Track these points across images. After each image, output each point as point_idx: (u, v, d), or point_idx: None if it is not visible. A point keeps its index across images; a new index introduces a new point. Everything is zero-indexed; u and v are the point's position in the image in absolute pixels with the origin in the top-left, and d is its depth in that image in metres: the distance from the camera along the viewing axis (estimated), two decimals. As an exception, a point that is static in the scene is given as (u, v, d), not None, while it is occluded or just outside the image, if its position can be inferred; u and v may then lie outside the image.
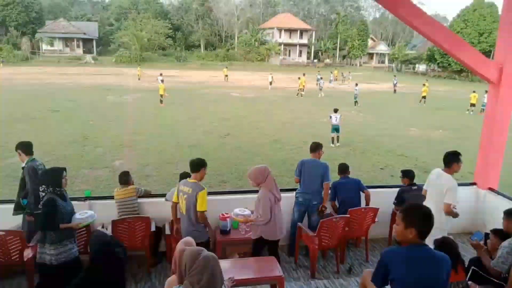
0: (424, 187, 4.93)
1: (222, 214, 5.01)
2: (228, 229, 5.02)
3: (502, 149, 6.04)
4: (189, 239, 3.09)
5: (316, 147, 5.56)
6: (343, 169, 5.89)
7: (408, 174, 5.83)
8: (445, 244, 3.33)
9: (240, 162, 11.25)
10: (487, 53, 40.11)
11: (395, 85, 32.61)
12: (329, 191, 5.54)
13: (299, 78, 28.02)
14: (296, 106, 23.15)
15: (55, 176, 3.97)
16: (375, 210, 5.53)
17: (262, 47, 63.11)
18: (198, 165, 4.34)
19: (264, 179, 4.34)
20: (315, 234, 5.09)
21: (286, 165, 10.75)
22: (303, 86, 28.06)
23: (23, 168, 4.74)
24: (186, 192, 4.25)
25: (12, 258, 4.43)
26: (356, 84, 25.05)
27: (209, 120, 17.55)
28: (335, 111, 13.93)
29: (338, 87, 34.52)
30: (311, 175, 5.40)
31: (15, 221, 4.90)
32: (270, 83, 31.93)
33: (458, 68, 49.50)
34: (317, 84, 31.68)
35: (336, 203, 5.77)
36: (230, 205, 5.05)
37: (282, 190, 6.01)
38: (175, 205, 4.45)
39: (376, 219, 5.59)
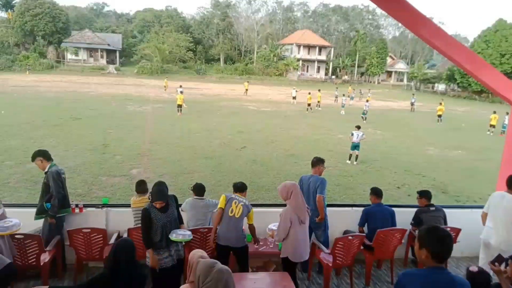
0: (484, 210, 4.84)
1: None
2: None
3: (524, 171, 5.89)
4: (202, 252, 3.08)
5: (316, 162, 5.48)
6: (377, 193, 5.55)
7: (425, 195, 5.73)
8: (478, 277, 3.20)
9: (256, 175, 11.26)
10: (509, 75, 39.55)
11: (412, 103, 32.25)
12: (360, 218, 5.47)
13: (309, 93, 27.94)
14: (313, 121, 23.12)
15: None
16: (403, 232, 5.40)
17: (280, 63, 63.58)
18: (244, 187, 5.03)
19: (288, 196, 4.31)
20: (329, 252, 5.04)
21: (301, 180, 10.69)
22: (317, 101, 29.07)
23: (46, 173, 4.86)
24: (243, 201, 4.60)
25: (29, 261, 4.51)
26: (367, 101, 24.90)
27: (225, 133, 17.67)
28: (358, 128, 13.82)
29: (355, 104, 34.31)
30: (308, 191, 5.33)
31: (34, 225, 5.01)
32: (294, 97, 32.09)
33: (478, 89, 48.78)
34: (335, 100, 31.73)
35: (365, 229, 5.53)
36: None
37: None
38: (221, 211, 4.58)
39: (402, 241, 5.48)
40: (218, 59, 69.41)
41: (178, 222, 4.37)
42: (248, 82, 41.07)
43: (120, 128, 17.22)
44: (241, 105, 29.35)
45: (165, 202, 4.12)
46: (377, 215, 5.40)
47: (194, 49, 64.79)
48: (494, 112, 22.88)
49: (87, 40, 59.48)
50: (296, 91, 32.63)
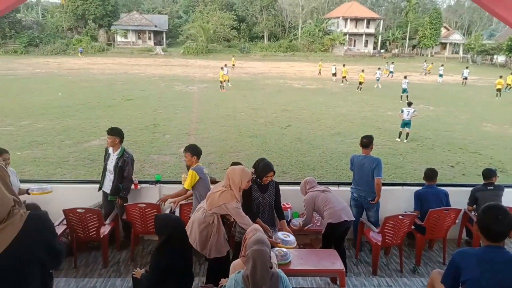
0: None
1: (283, 205, 5.06)
2: (288, 219, 5.07)
3: None
4: (258, 227, 3.18)
5: (368, 143, 5.31)
6: (427, 175, 5.37)
7: (484, 173, 5.46)
8: None
9: (300, 154, 11.21)
10: None
11: (465, 78, 30.22)
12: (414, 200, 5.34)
13: (362, 70, 26.80)
14: (360, 98, 22.44)
15: None
16: (458, 211, 5.22)
17: (326, 38, 61.73)
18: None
19: (305, 192, 4.75)
20: (378, 231, 4.96)
21: (347, 158, 10.47)
22: (359, 81, 27.48)
23: (121, 157, 5.11)
24: None
25: (90, 234, 4.86)
26: (405, 77, 22.78)
27: (270, 111, 17.65)
28: (409, 104, 13.24)
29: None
30: (362, 171, 5.26)
31: (94, 200, 5.36)
32: (334, 74, 31.20)
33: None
34: (388, 75, 30.27)
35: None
36: (286, 195, 5.06)
37: (343, 184, 5.97)
38: None
39: (456, 221, 5.30)
40: (262, 37, 68.70)
41: (273, 207, 4.35)
42: (321, 60, 38.45)
43: (168, 108, 17.74)
44: (286, 83, 29.05)
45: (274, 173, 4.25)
46: (429, 197, 5.22)
47: (238, 27, 64.50)
48: None
49: (135, 22, 61.10)
50: (335, 67, 31.50)
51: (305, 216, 4.75)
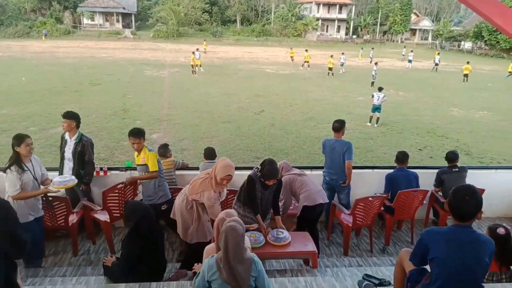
0: None
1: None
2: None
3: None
4: (230, 211, 3.16)
5: (340, 126, 5.38)
6: (399, 158, 5.50)
7: (447, 156, 5.64)
8: (505, 239, 3.17)
9: (274, 139, 11.24)
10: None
11: (437, 64, 31.01)
12: (385, 184, 5.48)
13: (331, 56, 26.93)
14: (332, 83, 22.65)
15: None
16: (425, 193, 5.40)
17: (299, 23, 61.60)
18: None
19: (281, 176, 4.71)
20: (349, 213, 5.07)
21: (319, 143, 10.56)
22: (305, 61, 28.89)
23: (79, 141, 4.93)
24: None
25: (58, 222, 4.71)
26: (376, 64, 22.98)
27: (243, 96, 17.55)
28: (379, 89, 13.47)
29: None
30: (333, 155, 5.35)
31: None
32: (341, 64, 28.93)
33: (507, 46, 46.37)
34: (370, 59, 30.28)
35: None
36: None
37: (315, 168, 6.05)
38: None
39: (424, 202, 5.48)
40: (235, 21, 67.75)
41: (270, 203, 4.35)
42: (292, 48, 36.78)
43: (138, 93, 17.31)
44: (259, 68, 28.91)
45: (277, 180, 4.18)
46: (400, 180, 5.37)
47: (210, 10, 63.23)
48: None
49: (102, 4, 58.76)
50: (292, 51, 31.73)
51: (283, 200, 4.76)
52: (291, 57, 33.02)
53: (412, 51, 34.60)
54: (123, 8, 59.87)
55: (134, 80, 20.76)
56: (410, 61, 32.57)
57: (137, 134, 4.64)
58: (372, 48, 38.10)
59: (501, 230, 3.18)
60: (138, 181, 4.84)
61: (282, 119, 13.77)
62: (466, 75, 24.97)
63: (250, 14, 69.37)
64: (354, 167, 5.48)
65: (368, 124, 13.31)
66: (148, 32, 57.04)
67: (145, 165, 4.62)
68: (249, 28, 63.01)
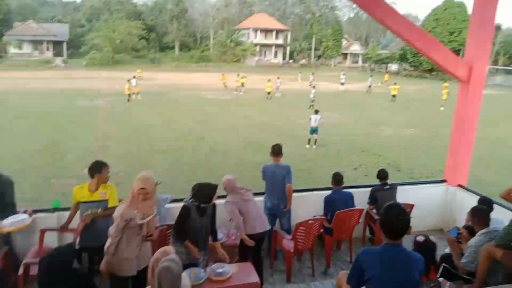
0: None
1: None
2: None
3: (471, 146, 6.17)
4: (167, 248, 2.95)
5: (278, 151, 5.41)
6: (336, 180, 5.57)
7: (379, 174, 5.87)
8: (424, 246, 3.32)
9: (216, 166, 11.13)
10: (457, 52, 41.20)
11: (370, 85, 33.03)
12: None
13: (268, 80, 26.97)
14: (271, 107, 23.17)
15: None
16: (361, 211, 5.53)
17: (237, 48, 62.95)
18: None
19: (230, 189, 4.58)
20: (291, 237, 5.06)
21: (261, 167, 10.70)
22: (240, 83, 29.40)
23: None
24: None
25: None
26: (314, 87, 24.09)
27: (183, 124, 17.32)
28: (316, 112, 13.95)
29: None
30: (274, 180, 5.34)
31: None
32: (242, 84, 30.12)
33: (428, 67, 50.69)
34: (310, 84, 31.09)
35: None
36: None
37: (257, 194, 6.00)
38: None
39: (360, 220, 5.61)
40: (173, 47, 67.68)
41: (209, 230, 4.20)
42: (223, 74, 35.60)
43: (70, 125, 16.41)
44: (199, 94, 28.84)
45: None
46: (337, 201, 5.46)
47: (147, 37, 62.60)
48: (445, 85, 23.96)
49: (31, 32, 55.84)
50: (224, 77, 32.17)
51: (233, 222, 4.57)
52: (224, 83, 32.39)
53: (344, 74, 36.58)
54: (54, 35, 57.35)
55: (65, 112, 19.66)
56: (342, 83, 34.37)
57: (90, 171, 4.38)
58: (312, 73, 39.78)
59: (420, 238, 3.36)
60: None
61: (223, 145, 13.72)
62: (394, 96, 26.80)
63: (189, 40, 69.72)
64: (295, 191, 5.52)
65: (307, 146, 13.69)
66: (81, 60, 54.87)
67: (104, 201, 4.27)
68: (188, 54, 63.21)
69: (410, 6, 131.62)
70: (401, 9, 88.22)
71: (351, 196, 5.58)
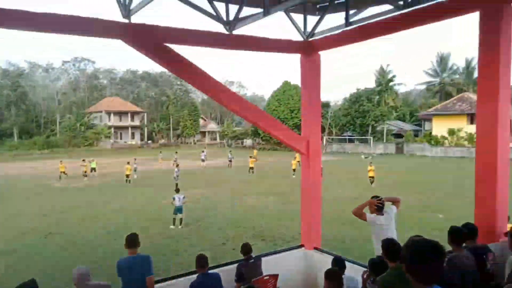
0: None
1: None
2: None
3: (319, 209, 6.83)
4: None
5: (135, 241, 4.88)
6: (200, 264, 5.18)
7: (243, 248, 5.86)
8: None
9: (68, 263, 9.65)
10: (299, 126, 47.13)
11: (230, 160, 34.63)
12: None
13: (127, 163, 25.84)
14: (132, 190, 22.01)
15: None
16: (276, 277, 5.52)
17: (89, 132, 59.71)
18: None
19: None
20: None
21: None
22: (92, 167, 27.94)
23: None
24: None
25: None
26: (177, 165, 24.34)
27: (25, 219, 14.91)
28: (177, 191, 13.72)
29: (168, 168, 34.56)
30: (132, 274, 4.74)
31: None
32: (92, 169, 28.33)
33: (278, 141, 56.20)
34: (173, 163, 29.79)
35: None
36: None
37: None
38: None
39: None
40: (11, 134, 60.18)
41: None
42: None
43: None
44: (45, 183, 25.65)
45: None
46: (207, 286, 5.12)
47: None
48: (294, 158, 26.65)
49: None
50: (61, 161, 28.80)
51: None
52: (62, 171, 27.66)
53: (203, 150, 37.77)
54: None
55: None
56: (203, 160, 35.25)
57: None
58: (176, 152, 39.89)
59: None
60: None
61: (76, 238, 12.18)
62: (251, 168, 28.62)
63: (30, 126, 63.27)
64: (158, 281, 5.09)
65: (172, 226, 13.18)
66: None
67: None
68: (31, 141, 56.94)
69: (257, 87, 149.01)
70: (249, 91, 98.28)
71: (218, 279, 5.33)
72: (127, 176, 24.78)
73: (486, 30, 4.54)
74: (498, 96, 4.44)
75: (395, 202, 6.01)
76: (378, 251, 5.74)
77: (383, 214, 5.63)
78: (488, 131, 4.59)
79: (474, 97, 37.85)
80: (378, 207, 5.63)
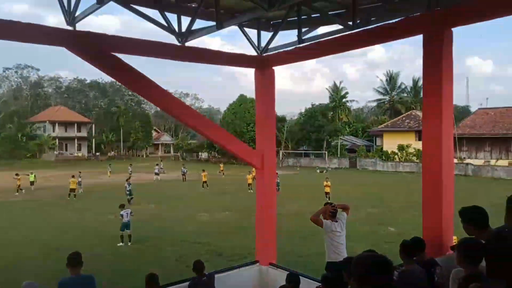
0: None
1: None
2: None
3: (274, 224, 6.80)
4: None
5: (77, 260, 4.56)
6: (150, 283, 4.88)
7: (195, 266, 5.66)
8: None
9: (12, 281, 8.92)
10: (255, 140, 47.22)
11: (184, 173, 33.87)
12: None
13: (72, 176, 24.19)
14: (78, 205, 20.84)
15: None
16: None
17: (31, 143, 56.27)
18: None
19: None
20: None
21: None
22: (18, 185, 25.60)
23: None
24: None
25: None
26: (128, 179, 23.15)
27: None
28: (122, 206, 13.20)
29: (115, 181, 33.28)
30: None
31: None
32: (31, 183, 26.81)
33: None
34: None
35: None
36: None
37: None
38: None
39: None
40: None
41: None
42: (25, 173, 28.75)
43: None
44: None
45: None
46: None
47: None
48: (250, 173, 26.38)
49: None
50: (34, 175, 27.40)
51: None
52: (18, 185, 25.78)
53: (157, 164, 36.80)
54: None
55: None
56: (157, 173, 34.33)
57: None
58: (131, 164, 38.67)
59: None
60: None
61: (13, 259, 11.25)
62: (205, 182, 28.15)
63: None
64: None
65: (121, 244, 12.58)
66: None
67: None
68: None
69: (212, 101, 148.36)
70: (204, 103, 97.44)
71: None
72: (72, 190, 23.34)
73: (429, 52, 4.81)
74: (441, 114, 4.68)
75: (345, 209, 6.40)
76: (329, 258, 5.91)
77: (337, 221, 6.00)
78: (433, 148, 4.82)
79: (421, 114, 40.25)
80: (332, 213, 6.02)
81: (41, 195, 24.89)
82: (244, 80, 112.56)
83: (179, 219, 16.85)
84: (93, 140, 66.47)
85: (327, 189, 21.57)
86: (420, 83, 60.21)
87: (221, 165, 41.42)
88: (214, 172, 37.88)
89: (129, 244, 12.61)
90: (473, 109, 60.89)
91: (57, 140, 59.07)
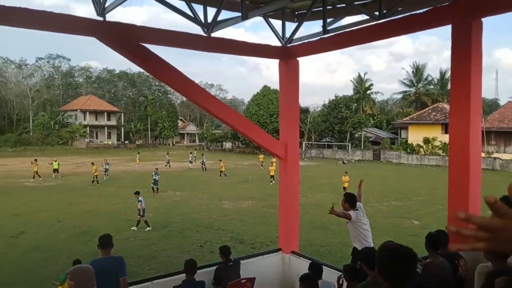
0: None
1: None
2: None
3: (297, 213, 6.89)
4: None
5: (108, 242, 4.78)
6: (190, 270, 5.05)
7: (221, 251, 5.86)
8: None
9: (39, 265, 9.45)
10: (278, 131, 47.18)
11: (203, 163, 34.28)
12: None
13: (92, 163, 25.39)
14: (106, 191, 21.57)
15: None
16: (253, 280, 5.48)
17: (63, 130, 58.26)
18: None
19: None
20: None
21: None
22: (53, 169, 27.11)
23: None
24: None
25: None
26: (157, 169, 22.78)
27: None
28: (137, 193, 13.66)
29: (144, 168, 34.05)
30: (105, 277, 4.52)
31: None
32: (55, 170, 27.55)
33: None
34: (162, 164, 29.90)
35: None
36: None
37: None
38: None
39: None
40: (-18, 131, 58.19)
41: None
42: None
43: None
44: (16, 182, 24.90)
45: None
46: None
47: None
48: (272, 164, 26.27)
49: None
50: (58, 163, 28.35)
51: None
52: (36, 171, 26.50)
53: (191, 152, 37.53)
54: None
55: None
56: (190, 161, 35.35)
57: None
58: (168, 153, 39.47)
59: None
60: None
61: (49, 238, 11.91)
62: (222, 171, 28.34)
63: (2, 123, 61.29)
64: (132, 283, 5.02)
65: (149, 228, 13.02)
66: None
67: None
68: (2, 138, 55.10)
69: (236, 91, 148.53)
70: (228, 94, 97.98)
71: (202, 286, 5.21)
72: (95, 177, 24.12)
73: (457, 43, 4.70)
74: (470, 107, 4.60)
75: (359, 196, 6.29)
76: (362, 246, 5.77)
77: (357, 209, 5.84)
78: (460, 141, 4.74)
79: (448, 107, 39.00)
80: (350, 204, 5.80)
81: (72, 181, 25.88)
82: (267, 71, 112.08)
83: (202, 207, 17.16)
84: (122, 128, 68.13)
85: (345, 184, 20.02)
86: (448, 75, 58.31)
87: (261, 156, 39.01)
88: (254, 162, 38.11)
89: (135, 228, 13.04)
90: (502, 102, 58.73)
91: (88, 128, 60.91)
